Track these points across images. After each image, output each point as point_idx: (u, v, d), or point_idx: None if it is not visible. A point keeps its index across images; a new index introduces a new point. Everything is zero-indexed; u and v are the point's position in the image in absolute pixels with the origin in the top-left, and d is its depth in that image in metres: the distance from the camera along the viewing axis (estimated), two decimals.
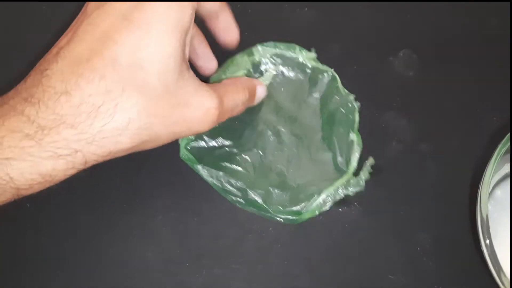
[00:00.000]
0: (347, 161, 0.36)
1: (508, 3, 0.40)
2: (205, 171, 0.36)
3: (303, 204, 0.35)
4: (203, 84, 0.29)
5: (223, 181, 0.36)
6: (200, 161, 0.36)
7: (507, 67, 0.39)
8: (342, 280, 0.34)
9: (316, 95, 0.38)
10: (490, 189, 0.34)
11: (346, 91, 0.38)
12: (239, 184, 0.36)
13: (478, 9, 0.40)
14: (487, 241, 0.32)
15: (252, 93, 0.34)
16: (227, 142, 0.36)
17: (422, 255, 0.35)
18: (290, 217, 0.35)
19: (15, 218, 0.36)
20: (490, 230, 0.32)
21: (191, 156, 0.36)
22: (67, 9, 0.37)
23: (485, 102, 0.38)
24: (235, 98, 0.31)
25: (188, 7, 0.27)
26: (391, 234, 0.35)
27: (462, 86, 0.38)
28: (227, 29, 0.34)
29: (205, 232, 0.35)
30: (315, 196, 0.35)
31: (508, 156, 0.35)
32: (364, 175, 0.35)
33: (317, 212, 0.35)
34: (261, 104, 0.37)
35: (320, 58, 0.38)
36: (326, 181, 0.35)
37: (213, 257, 0.35)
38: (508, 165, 0.36)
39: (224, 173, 0.36)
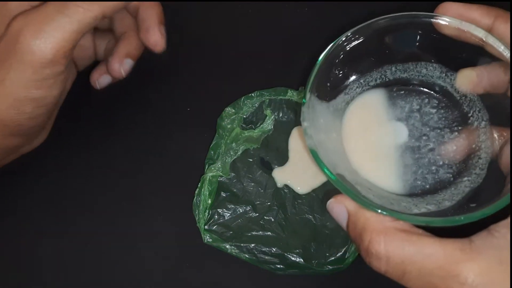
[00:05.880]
0: None
1: (508, 3, 0.40)
2: (234, 248, 0.34)
3: (343, 249, 0.34)
4: None
5: (256, 252, 0.34)
6: (225, 238, 0.34)
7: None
8: (343, 279, 0.34)
9: None
10: None
11: None
12: (274, 250, 0.34)
13: None
14: None
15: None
16: (244, 209, 0.35)
17: None
18: (335, 266, 0.33)
19: (14, 218, 0.36)
20: None
21: (215, 237, 0.34)
22: None
23: None
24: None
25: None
26: None
27: None
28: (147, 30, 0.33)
29: None
30: None
31: None
32: None
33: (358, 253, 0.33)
34: (265, 157, 0.36)
35: None
36: None
37: (214, 257, 0.35)
38: None
39: (255, 243, 0.34)
